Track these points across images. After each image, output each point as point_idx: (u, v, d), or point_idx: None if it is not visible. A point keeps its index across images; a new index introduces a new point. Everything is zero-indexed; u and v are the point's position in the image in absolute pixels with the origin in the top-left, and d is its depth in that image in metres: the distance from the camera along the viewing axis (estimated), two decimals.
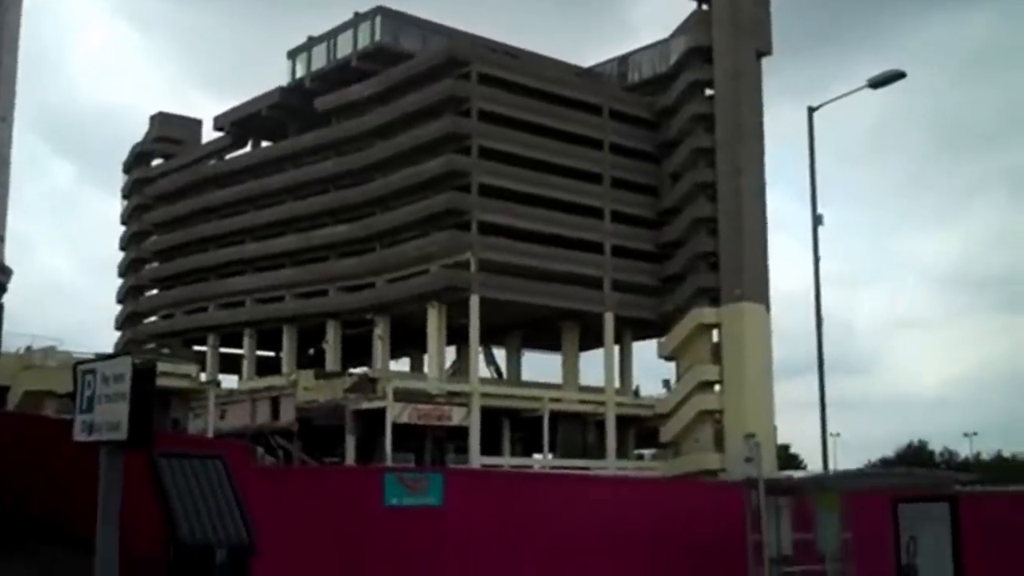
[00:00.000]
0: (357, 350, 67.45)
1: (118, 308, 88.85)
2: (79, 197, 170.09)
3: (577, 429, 64.48)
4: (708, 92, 68.48)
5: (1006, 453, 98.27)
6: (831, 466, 28.76)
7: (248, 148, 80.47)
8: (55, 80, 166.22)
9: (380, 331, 64.65)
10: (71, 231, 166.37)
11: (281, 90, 75.50)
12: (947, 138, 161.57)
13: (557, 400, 63.50)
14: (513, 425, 62.06)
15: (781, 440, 74.54)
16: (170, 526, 9.67)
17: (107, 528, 9.78)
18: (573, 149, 65.71)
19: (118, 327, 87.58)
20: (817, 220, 26.14)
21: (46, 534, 13.66)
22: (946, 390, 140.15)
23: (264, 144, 79.07)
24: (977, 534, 15.97)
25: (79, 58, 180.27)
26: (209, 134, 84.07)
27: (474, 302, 60.83)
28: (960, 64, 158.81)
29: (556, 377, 69.28)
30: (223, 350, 75.73)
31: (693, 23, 69.23)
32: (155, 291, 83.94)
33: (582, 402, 65.38)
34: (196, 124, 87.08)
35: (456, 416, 57.90)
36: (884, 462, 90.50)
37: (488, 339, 68.53)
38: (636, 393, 71.20)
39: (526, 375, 71.97)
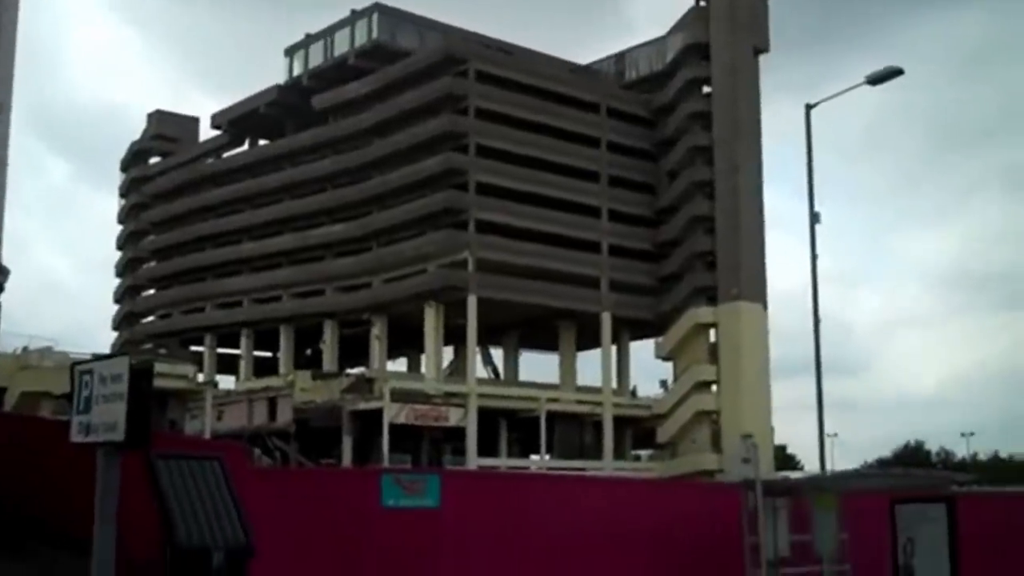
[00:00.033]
0: (354, 350, 67.42)
1: (115, 308, 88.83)
2: (76, 196, 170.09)
3: (574, 430, 64.47)
4: (705, 89, 68.47)
5: (1003, 453, 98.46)
6: (828, 467, 28.73)
7: (245, 146, 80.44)
8: (52, 78, 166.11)
9: (377, 331, 64.61)
10: (68, 230, 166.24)
11: (278, 88, 75.46)
12: (945, 135, 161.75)
13: (554, 400, 63.48)
14: (510, 426, 62.06)
15: (778, 441, 74.59)
16: (167, 528, 9.65)
17: (104, 529, 9.77)
18: (570, 147, 65.70)
19: (115, 327, 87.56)
20: (814, 218, 26.12)
21: (47, 535, 13.65)
22: (943, 390, 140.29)
23: (261, 142, 79.03)
24: (974, 535, 15.97)
25: (76, 56, 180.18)
26: (206, 132, 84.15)
27: (471, 302, 60.80)
28: (958, 61, 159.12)
29: (553, 377, 69.25)
30: (220, 350, 75.69)
31: (690, 20, 69.26)
32: (152, 291, 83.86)
33: (579, 402, 65.36)
34: (193, 122, 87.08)
35: (453, 417, 57.88)
36: (881, 463, 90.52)
37: (485, 339, 68.51)
38: (633, 393, 71.16)
39: (523, 375, 72.02)
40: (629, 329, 70.32)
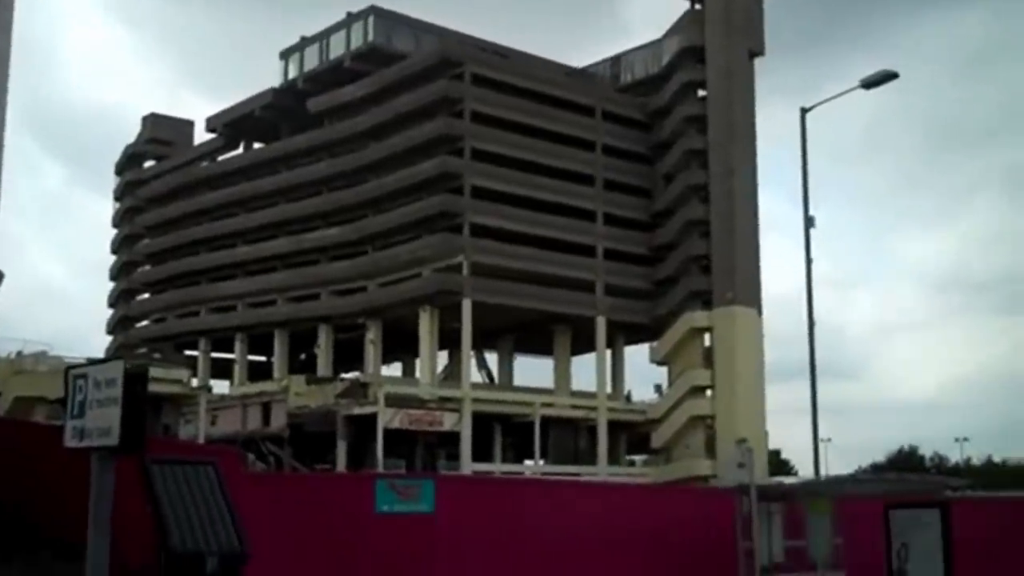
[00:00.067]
0: (349, 355, 67.34)
1: (110, 312, 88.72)
2: (70, 199, 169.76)
3: (569, 435, 64.41)
4: (701, 93, 68.47)
5: (997, 458, 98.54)
6: (822, 472, 28.74)
7: (240, 149, 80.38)
8: (46, 80, 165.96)
9: (372, 335, 64.57)
10: (62, 233, 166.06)
11: (274, 91, 75.40)
12: (942, 137, 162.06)
13: (549, 405, 63.42)
14: (504, 431, 61.99)
15: (772, 445, 74.56)
16: (161, 533, 9.65)
17: (98, 535, 9.75)
18: (565, 151, 65.71)
19: (109, 331, 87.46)
20: (809, 222, 26.18)
21: (41, 541, 13.62)
22: (938, 394, 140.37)
23: (256, 145, 78.99)
24: (968, 539, 15.98)
25: (71, 57, 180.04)
26: (201, 135, 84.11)
27: (466, 306, 60.76)
28: (955, 62, 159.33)
29: (548, 382, 69.21)
30: (214, 355, 75.59)
31: (686, 23, 69.25)
32: (147, 295, 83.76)
33: (574, 407, 65.30)
34: (188, 125, 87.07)
35: (447, 421, 57.79)
36: (875, 467, 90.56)
37: (480, 343, 68.47)
38: (628, 398, 71.13)
39: (518, 380, 71.94)
40: (624, 333, 70.31)
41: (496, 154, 62.96)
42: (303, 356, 72.07)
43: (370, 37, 70.44)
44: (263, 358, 73.94)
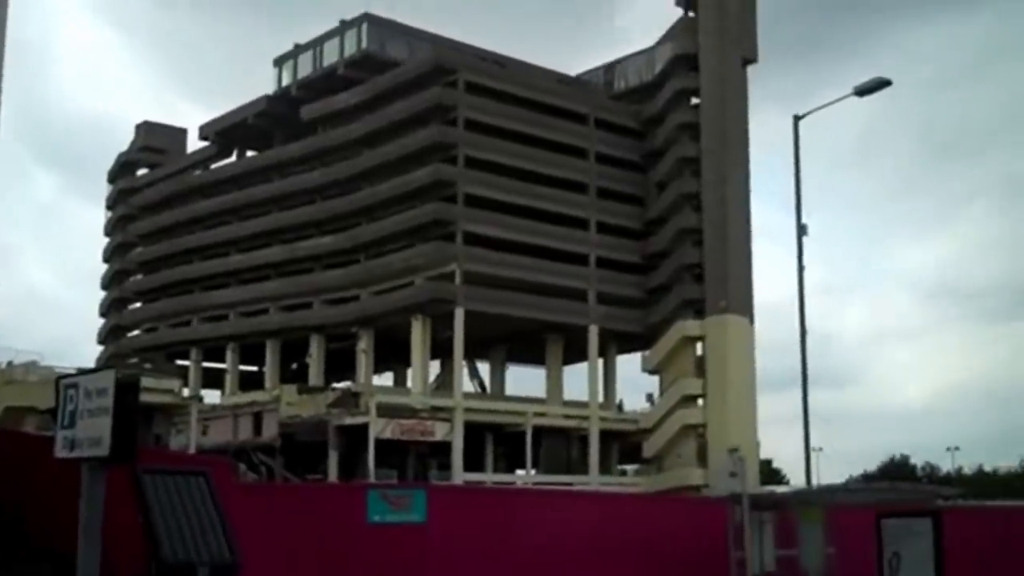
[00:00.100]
0: (341, 364, 67.23)
1: (101, 321, 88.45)
2: (62, 207, 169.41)
3: (560, 444, 64.35)
4: (694, 101, 68.51)
5: (988, 467, 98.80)
6: (814, 481, 28.77)
7: (233, 158, 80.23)
8: (39, 87, 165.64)
9: (364, 345, 64.45)
10: (54, 242, 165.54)
11: (267, 98, 75.27)
12: (936, 145, 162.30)
13: (541, 415, 63.31)
14: (496, 440, 61.91)
15: (763, 455, 74.58)
16: (153, 543, 9.63)
17: (89, 545, 9.73)
18: (559, 159, 65.71)
19: (101, 341, 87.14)
20: (802, 230, 26.22)
21: (31, 551, 13.56)
22: (929, 403, 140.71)
23: (249, 153, 78.85)
24: (960, 549, 16.00)
25: (63, 65, 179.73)
26: (194, 143, 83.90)
27: (459, 315, 60.70)
28: (948, 69, 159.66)
29: (540, 391, 69.13)
30: (206, 364, 75.36)
31: (679, 31, 69.37)
32: (138, 304, 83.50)
33: (566, 417, 65.23)
34: (181, 133, 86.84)
35: (439, 431, 57.68)
36: (866, 477, 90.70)
37: (472, 353, 68.35)
38: (620, 408, 71.00)
39: (510, 389, 71.83)
40: (616, 342, 70.27)
41: (489, 162, 62.98)
42: (295, 366, 71.92)
43: (364, 44, 70.39)
44: (254, 368, 73.77)
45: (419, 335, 61.71)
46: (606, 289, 66.82)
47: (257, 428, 57.30)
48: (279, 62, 76.03)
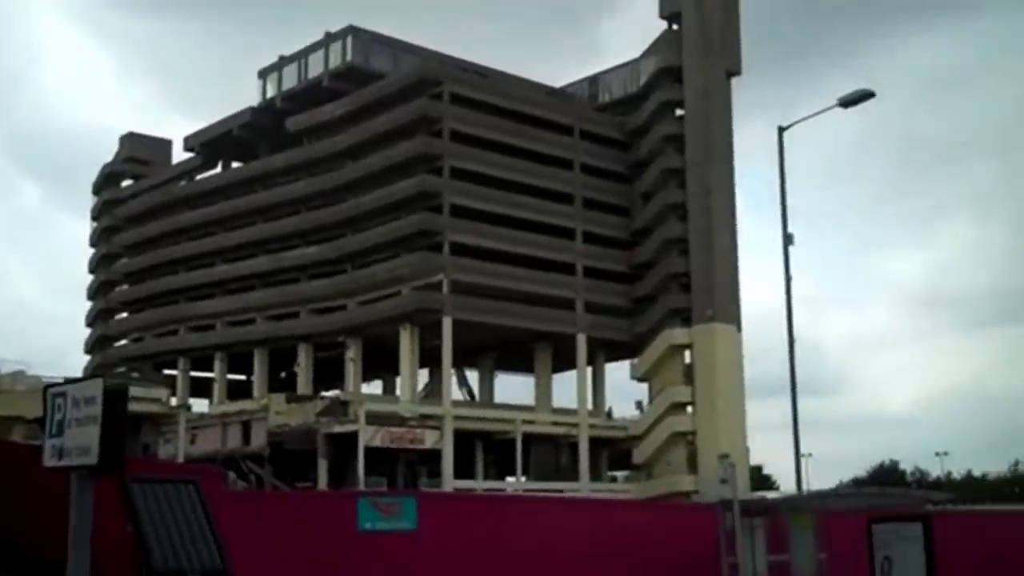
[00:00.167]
0: (329, 373, 67.12)
1: (88, 331, 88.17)
2: (47, 218, 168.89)
3: (550, 451, 64.36)
4: (678, 112, 68.84)
5: (977, 472, 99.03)
6: (804, 487, 28.77)
7: (218, 169, 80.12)
8: (23, 100, 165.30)
9: (352, 354, 64.35)
10: (39, 253, 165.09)
11: (252, 110, 75.21)
12: (919, 155, 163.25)
13: (530, 422, 63.32)
14: (486, 448, 61.85)
15: (753, 461, 74.71)
16: (143, 552, 9.57)
17: (78, 554, 9.64)
18: (544, 169, 65.82)
19: (88, 351, 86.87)
20: (788, 240, 26.25)
21: (21, 560, 13.47)
22: (917, 409, 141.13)
23: (235, 164, 78.75)
24: (950, 552, 16.02)
25: (48, 77, 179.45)
26: (179, 154, 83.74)
27: (446, 324, 60.68)
28: (932, 80, 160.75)
29: (529, 399, 69.17)
30: (194, 374, 75.16)
31: (663, 43, 69.64)
32: (125, 314, 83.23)
33: (555, 424, 65.23)
34: (166, 144, 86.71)
35: (429, 439, 57.65)
36: (856, 482, 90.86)
37: (461, 361, 68.36)
38: (609, 415, 71.17)
39: (499, 397, 71.76)
40: (604, 350, 70.37)
41: (475, 173, 63.01)
42: (283, 374, 71.75)
43: (348, 56, 70.39)
44: (243, 377, 73.60)
45: (407, 344, 61.65)
46: (593, 298, 66.90)
47: (246, 437, 57.08)
48: (264, 74, 75.96)
